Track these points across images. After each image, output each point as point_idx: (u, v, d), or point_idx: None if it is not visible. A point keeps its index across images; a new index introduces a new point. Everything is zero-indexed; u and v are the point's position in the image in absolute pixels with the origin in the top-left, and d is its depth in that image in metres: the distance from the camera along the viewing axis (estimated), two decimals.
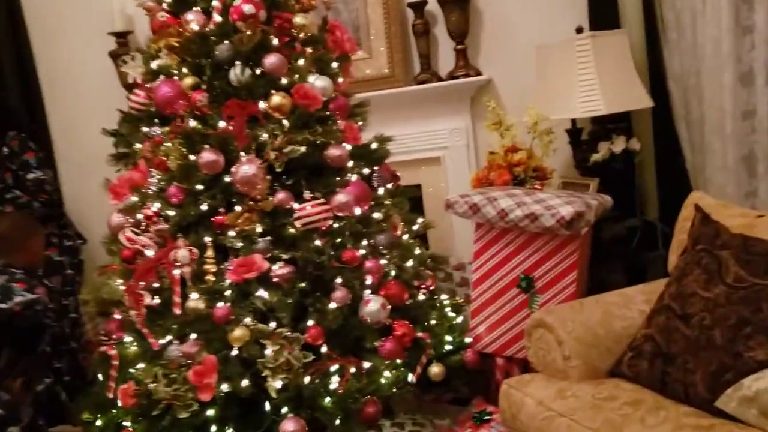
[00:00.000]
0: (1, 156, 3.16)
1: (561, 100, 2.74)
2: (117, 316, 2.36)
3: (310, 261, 2.19)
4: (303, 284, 2.18)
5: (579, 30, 2.78)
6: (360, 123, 2.61)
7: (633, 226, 2.81)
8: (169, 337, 2.21)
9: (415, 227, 2.64)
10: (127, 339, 2.34)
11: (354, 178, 2.38)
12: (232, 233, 2.20)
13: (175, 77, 2.30)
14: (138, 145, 2.37)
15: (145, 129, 2.37)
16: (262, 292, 2.15)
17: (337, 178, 2.34)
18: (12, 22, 3.72)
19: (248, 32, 2.25)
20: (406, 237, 2.58)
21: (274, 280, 2.16)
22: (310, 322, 2.17)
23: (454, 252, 3.34)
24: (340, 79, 2.56)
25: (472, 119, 3.34)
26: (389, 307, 2.29)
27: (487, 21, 3.26)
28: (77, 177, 3.85)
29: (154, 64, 2.37)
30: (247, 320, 2.13)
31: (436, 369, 2.39)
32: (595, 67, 2.63)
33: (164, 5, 2.38)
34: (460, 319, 2.61)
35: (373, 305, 2.24)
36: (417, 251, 2.56)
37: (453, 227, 3.34)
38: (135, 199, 2.34)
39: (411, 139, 3.44)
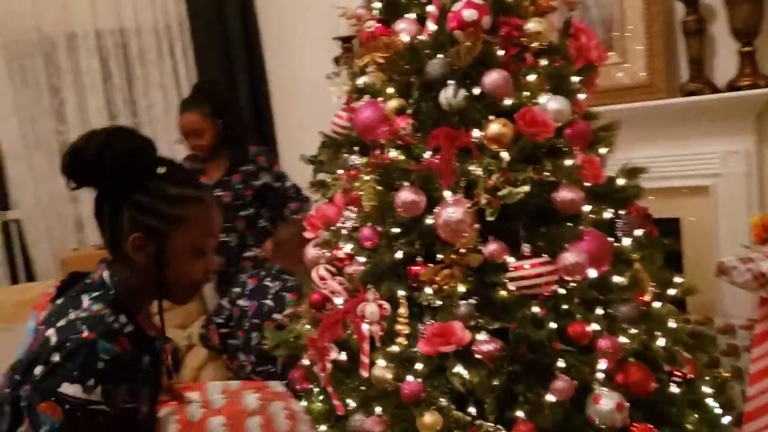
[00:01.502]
0: (246, 173, 3.08)
1: None
2: (305, 363, 2.10)
3: (524, 336, 1.71)
4: (514, 366, 1.71)
5: None
6: (604, 151, 2.06)
7: None
8: (354, 403, 1.89)
9: (672, 291, 2.02)
10: (316, 389, 2.07)
11: (590, 228, 1.85)
12: (429, 290, 1.81)
13: (380, 98, 1.95)
14: (338, 174, 2.08)
15: (346, 156, 2.07)
16: (460, 369, 1.73)
17: (568, 228, 1.82)
18: (246, 29, 3.71)
19: (467, 43, 1.83)
20: (657, 304, 1.98)
21: (477, 356, 1.72)
22: (520, 414, 1.71)
23: (720, 308, 2.64)
24: (582, 96, 2.03)
25: (757, 142, 2.59)
26: (627, 405, 1.73)
27: None
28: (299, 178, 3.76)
29: (360, 81, 2.05)
30: (442, 402, 1.73)
31: None
32: None
33: (374, 12, 2.04)
34: (726, 420, 1.95)
35: (605, 403, 1.70)
36: (672, 324, 1.95)
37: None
38: (328, 235, 2.05)
39: (669, 162, 2.80)
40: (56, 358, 1.13)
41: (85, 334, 1.14)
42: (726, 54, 2.61)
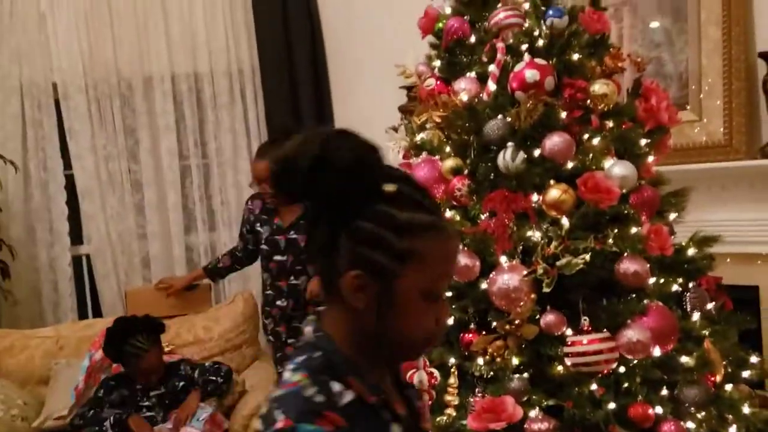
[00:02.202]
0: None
1: None
2: None
3: (580, 416, 1.61)
4: None
5: None
6: (673, 217, 1.95)
7: None
8: None
9: (747, 372, 1.87)
10: None
11: (655, 302, 1.73)
12: (481, 360, 1.73)
13: (437, 156, 1.91)
14: None
15: None
16: None
17: (631, 302, 1.72)
18: (315, 76, 3.75)
19: (528, 105, 1.77)
20: (729, 386, 1.83)
21: None
22: None
23: None
24: (650, 158, 1.94)
25: None
26: None
27: None
28: None
29: (418, 138, 2.02)
30: None
31: None
32: None
33: (435, 70, 2.01)
34: None
35: None
36: (746, 409, 1.80)
37: None
38: None
39: (747, 226, 2.63)
40: None
41: (281, 423, 0.87)
42: None
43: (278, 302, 2.83)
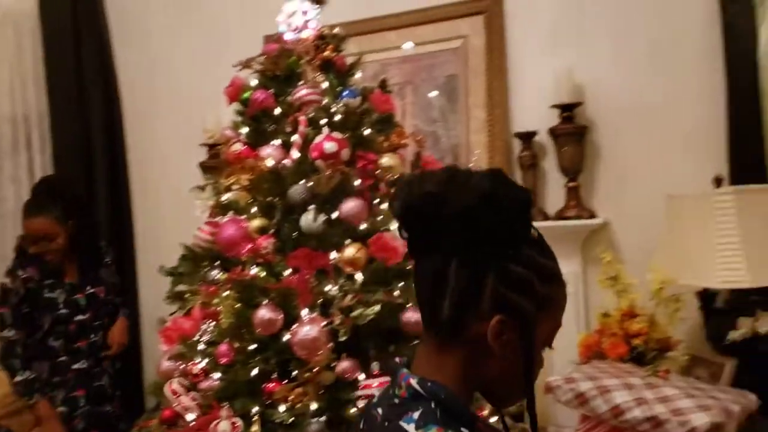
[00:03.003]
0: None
1: (694, 263, 2.29)
2: None
3: None
4: None
5: (718, 181, 2.35)
6: None
7: None
8: None
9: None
10: None
11: None
12: (282, 408, 1.86)
13: (243, 216, 2.05)
14: (197, 287, 2.11)
15: (208, 270, 2.12)
16: None
17: (414, 347, 1.96)
18: (109, 125, 3.69)
19: (328, 173, 1.98)
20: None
21: None
22: None
23: (553, 417, 2.86)
24: None
25: (583, 266, 2.91)
26: None
27: (606, 158, 2.88)
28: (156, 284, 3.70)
29: (224, 198, 2.14)
30: None
31: None
32: (738, 229, 2.17)
33: (242, 136, 2.16)
34: None
35: None
36: None
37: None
38: (183, 349, 2.06)
39: None
40: None
41: None
42: (555, 187, 2.96)
43: (75, 365, 2.71)
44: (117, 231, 3.62)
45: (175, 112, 3.68)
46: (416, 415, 0.85)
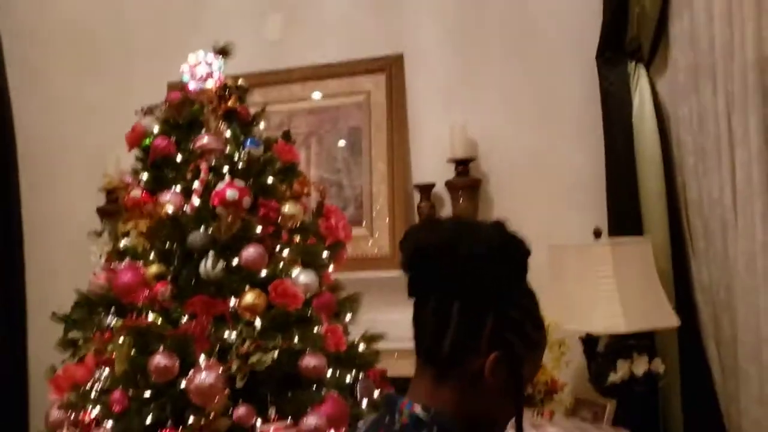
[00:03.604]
0: None
1: (577, 308, 2.45)
2: None
3: None
4: None
5: (597, 233, 2.53)
6: (348, 319, 2.30)
7: None
8: None
9: None
10: None
11: (331, 391, 2.04)
12: None
13: (141, 262, 2.04)
14: (91, 334, 2.07)
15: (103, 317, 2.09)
16: None
17: (311, 393, 2.00)
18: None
19: (228, 219, 2.02)
20: None
21: None
22: None
23: None
24: (331, 269, 2.30)
25: None
26: None
27: (497, 211, 3.05)
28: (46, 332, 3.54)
29: (122, 244, 2.12)
30: None
31: None
32: (614, 277, 2.36)
33: (141, 182, 2.17)
34: None
35: None
36: None
37: None
38: (74, 397, 2.01)
39: (408, 324, 3.12)
40: None
41: None
42: None
43: None
44: (5, 275, 3.46)
45: (76, 155, 3.61)
46: None
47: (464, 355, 0.94)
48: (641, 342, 2.50)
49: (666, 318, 2.41)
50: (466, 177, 2.99)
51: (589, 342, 2.60)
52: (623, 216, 2.74)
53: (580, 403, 2.58)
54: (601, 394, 2.53)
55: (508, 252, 0.95)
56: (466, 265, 0.93)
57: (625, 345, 2.50)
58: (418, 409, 0.94)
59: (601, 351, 2.59)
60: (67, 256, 3.48)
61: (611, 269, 2.35)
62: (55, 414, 2.08)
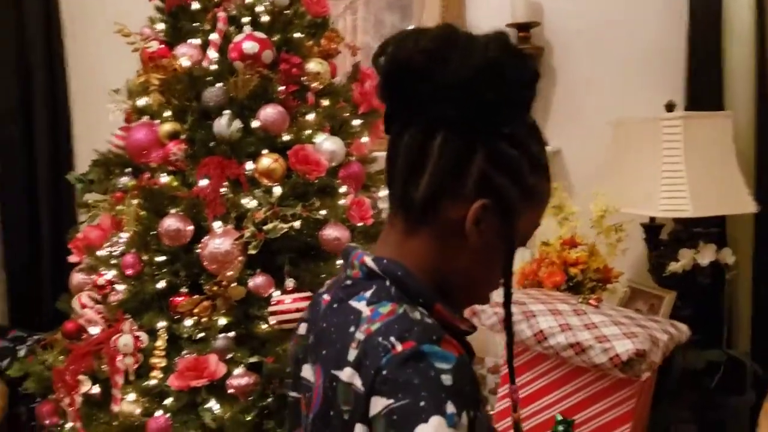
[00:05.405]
0: None
1: (638, 191, 2.19)
2: (53, 398, 1.94)
3: (279, 371, 1.71)
4: (264, 400, 1.70)
5: (670, 107, 2.23)
6: (379, 195, 2.13)
7: (715, 360, 2.20)
8: None
9: None
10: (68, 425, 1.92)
11: None
12: (189, 322, 1.76)
13: (157, 121, 1.90)
14: (106, 196, 1.98)
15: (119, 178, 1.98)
16: (213, 404, 1.69)
17: (332, 265, 1.86)
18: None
19: (246, 75, 1.83)
20: None
21: (230, 390, 1.69)
22: None
23: (491, 349, 2.80)
24: (365, 139, 2.10)
25: None
26: None
27: (561, 83, 2.74)
28: None
29: (140, 102, 1.98)
30: None
31: None
32: (684, 156, 2.07)
33: (159, 34, 1.99)
34: None
35: None
36: None
37: None
38: (92, 261, 1.94)
39: None
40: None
41: (400, 346, 0.68)
42: None
43: None
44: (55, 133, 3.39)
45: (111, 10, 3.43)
46: (369, 293, 0.77)
47: (443, 201, 0.76)
48: (710, 230, 2.24)
49: (741, 204, 2.13)
50: (528, 44, 2.68)
51: (650, 229, 2.35)
52: (703, 93, 2.41)
53: (636, 293, 2.36)
54: (660, 286, 2.31)
55: (507, 72, 0.73)
56: (454, 85, 0.72)
57: (690, 232, 2.24)
58: (369, 259, 0.79)
59: (663, 239, 2.34)
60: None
61: (681, 146, 2.06)
62: (77, 278, 2.03)
